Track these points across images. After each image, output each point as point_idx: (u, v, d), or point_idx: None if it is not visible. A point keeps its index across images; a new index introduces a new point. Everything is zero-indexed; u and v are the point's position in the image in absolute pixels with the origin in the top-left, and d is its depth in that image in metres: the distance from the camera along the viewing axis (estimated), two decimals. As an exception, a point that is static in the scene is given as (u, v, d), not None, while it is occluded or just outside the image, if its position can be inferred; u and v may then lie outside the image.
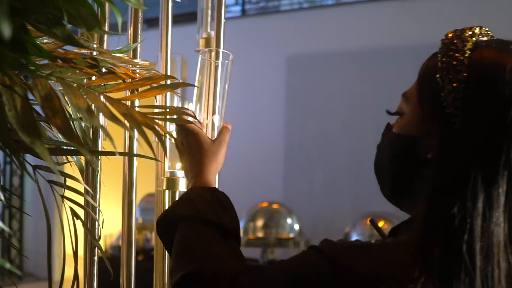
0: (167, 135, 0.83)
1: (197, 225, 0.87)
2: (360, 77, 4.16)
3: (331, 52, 4.30)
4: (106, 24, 1.08)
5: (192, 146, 0.93)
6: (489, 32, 0.78)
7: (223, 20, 1.20)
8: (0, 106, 0.71)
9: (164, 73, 1.05)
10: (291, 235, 3.15)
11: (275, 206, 3.25)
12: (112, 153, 0.76)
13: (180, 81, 0.98)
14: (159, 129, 0.75)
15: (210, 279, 0.79)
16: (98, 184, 1.11)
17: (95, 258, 1.15)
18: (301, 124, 4.39)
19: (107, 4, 0.93)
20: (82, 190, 1.02)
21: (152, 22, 4.32)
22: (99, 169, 1.06)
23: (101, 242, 1.15)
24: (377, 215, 2.95)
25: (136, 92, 0.79)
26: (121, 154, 0.90)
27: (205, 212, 0.87)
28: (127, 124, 0.71)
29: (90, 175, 1.10)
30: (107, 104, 0.72)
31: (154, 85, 0.86)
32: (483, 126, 0.69)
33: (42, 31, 0.69)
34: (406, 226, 0.82)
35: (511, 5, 3.73)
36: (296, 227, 3.18)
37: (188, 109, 0.88)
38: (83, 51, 0.87)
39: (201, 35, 1.26)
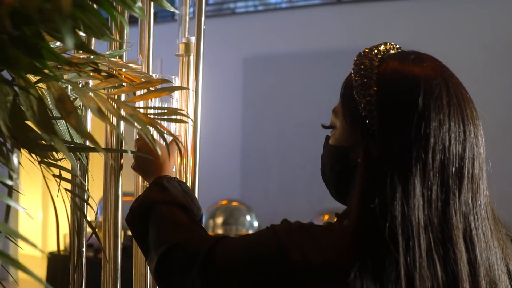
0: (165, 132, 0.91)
1: (173, 207, 1.01)
2: (314, 78, 4.30)
3: (287, 54, 4.43)
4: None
5: (151, 151, 1.05)
6: (395, 46, 0.89)
7: (203, 27, 1.29)
8: (18, 106, 0.77)
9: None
10: (250, 232, 3.25)
11: (234, 203, 3.34)
12: (125, 151, 0.83)
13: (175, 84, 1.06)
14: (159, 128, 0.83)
15: (192, 247, 0.91)
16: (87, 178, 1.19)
17: (83, 251, 1.23)
18: (257, 124, 4.50)
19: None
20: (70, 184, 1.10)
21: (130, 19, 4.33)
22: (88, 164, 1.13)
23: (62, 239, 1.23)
24: (332, 212, 3.07)
25: (138, 95, 0.87)
26: (133, 152, 0.97)
27: (179, 198, 1.03)
28: (113, 122, 0.79)
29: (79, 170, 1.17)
30: (115, 105, 0.80)
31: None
32: (396, 128, 0.80)
33: (57, 38, 0.76)
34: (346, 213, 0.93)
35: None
36: (255, 224, 3.28)
37: (182, 110, 0.97)
38: (82, 55, 0.94)
39: (181, 40, 1.34)
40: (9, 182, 0.70)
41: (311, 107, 4.27)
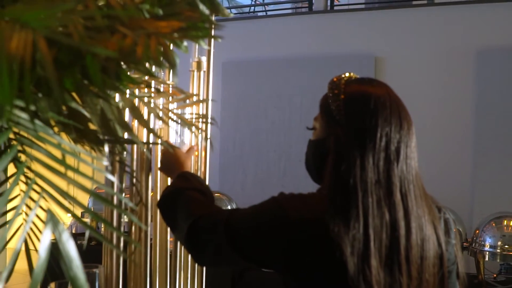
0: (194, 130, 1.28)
1: (195, 192, 1.39)
2: (287, 82, 4.68)
3: (262, 59, 4.79)
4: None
5: (174, 154, 1.50)
6: (355, 75, 1.25)
7: (212, 50, 1.66)
8: (104, 113, 1.13)
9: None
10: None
11: (217, 194, 3.66)
12: (170, 144, 1.20)
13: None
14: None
15: (214, 216, 1.27)
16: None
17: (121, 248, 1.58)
18: (234, 123, 4.86)
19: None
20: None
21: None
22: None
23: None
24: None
25: (182, 104, 1.25)
26: (169, 146, 1.34)
27: (198, 185, 1.42)
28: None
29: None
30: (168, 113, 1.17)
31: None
32: (355, 123, 1.16)
33: (132, 67, 1.12)
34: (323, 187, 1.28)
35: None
36: (235, 213, 3.62)
37: (205, 115, 1.36)
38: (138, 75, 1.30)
39: (193, 59, 1.71)
40: (105, 163, 1.05)
41: (284, 108, 4.66)
